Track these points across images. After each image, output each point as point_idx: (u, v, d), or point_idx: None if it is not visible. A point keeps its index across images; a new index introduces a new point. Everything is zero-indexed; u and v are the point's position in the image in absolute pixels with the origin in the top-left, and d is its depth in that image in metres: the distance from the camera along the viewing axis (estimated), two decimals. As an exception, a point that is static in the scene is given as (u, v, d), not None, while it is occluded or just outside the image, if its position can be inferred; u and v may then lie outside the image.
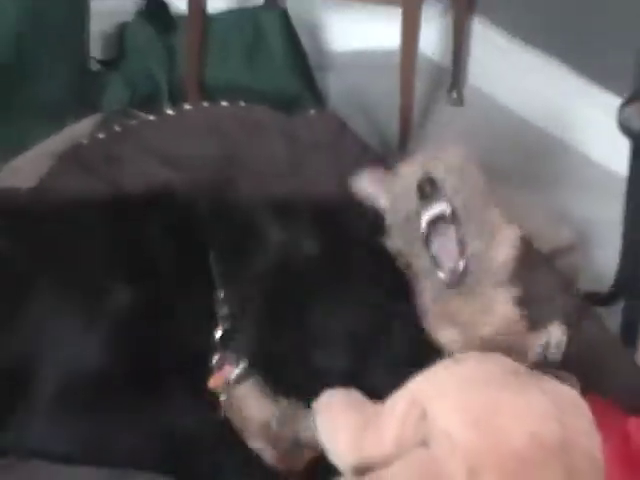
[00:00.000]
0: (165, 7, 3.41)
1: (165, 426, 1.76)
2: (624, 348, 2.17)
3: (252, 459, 1.78)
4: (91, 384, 1.76)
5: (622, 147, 2.44)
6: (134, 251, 1.82)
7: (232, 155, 2.23)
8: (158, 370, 1.74)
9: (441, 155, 1.75)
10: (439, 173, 1.68)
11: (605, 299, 2.42)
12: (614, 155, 2.76)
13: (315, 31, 3.66)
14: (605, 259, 2.55)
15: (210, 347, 1.76)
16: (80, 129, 2.44)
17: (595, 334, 2.00)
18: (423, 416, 1.41)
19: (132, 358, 1.74)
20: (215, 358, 1.73)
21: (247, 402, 1.78)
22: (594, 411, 1.50)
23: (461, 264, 1.65)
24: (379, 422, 1.48)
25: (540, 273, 2.08)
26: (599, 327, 2.06)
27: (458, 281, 1.67)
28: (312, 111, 2.62)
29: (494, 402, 1.46)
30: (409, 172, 1.69)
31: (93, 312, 1.76)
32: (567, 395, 1.51)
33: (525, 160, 3.10)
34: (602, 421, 1.53)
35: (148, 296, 1.75)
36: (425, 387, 1.48)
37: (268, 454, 1.73)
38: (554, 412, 1.47)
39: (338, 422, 1.54)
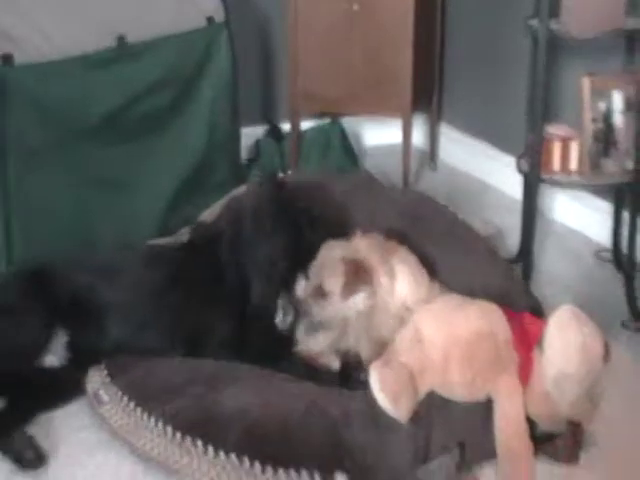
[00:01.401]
0: (279, 129, 4.39)
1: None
2: (527, 289, 2.92)
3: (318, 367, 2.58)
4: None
5: (518, 182, 3.38)
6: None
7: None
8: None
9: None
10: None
11: (513, 260, 3.24)
12: (514, 187, 3.55)
13: (357, 135, 4.62)
14: (511, 245, 3.39)
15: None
16: (237, 192, 3.21)
17: (507, 278, 2.82)
18: (419, 332, 2.30)
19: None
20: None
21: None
22: (506, 314, 2.33)
23: None
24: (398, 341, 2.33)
25: (481, 247, 2.94)
26: (510, 274, 2.91)
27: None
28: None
29: (453, 315, 2.34)
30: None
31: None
32: (491, 307, 2.34)
33: (471, 195, 3.96)
34: (510, 319, 2.33)
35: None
36: (419, 316, 2.38)
37: (332, 360, 2.59)
38: (484, 315, 2.33)
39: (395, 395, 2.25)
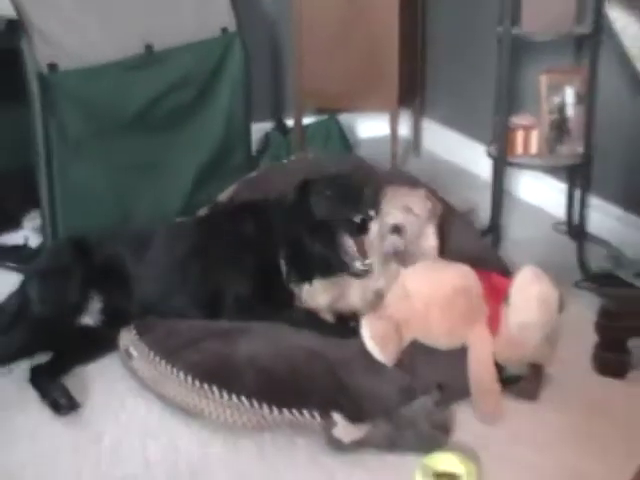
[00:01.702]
0: (285, 124, 4.40)
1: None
2: (497, 254, 3.00)
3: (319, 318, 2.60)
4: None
5: (488, 166, 3.34)
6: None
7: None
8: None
9: (407, 200, 2.60)
10: (400, 219, 2.55)
11: (485, 231, 3.24)
12: (485, 170, 3.48)
13: (352, 128, 4.62)
14: (484, 218, 3.34)
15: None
16: (248, 176, 3.31)
17: (479, 244, 2.93)
18: (404, 287, 2.37)
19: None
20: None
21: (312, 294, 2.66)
22: (478, 274, 2.40)
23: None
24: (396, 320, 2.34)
25: (458, 220, 2.93)
26: (482, 241, 3.04)
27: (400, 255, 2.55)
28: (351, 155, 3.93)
29: (434, 274, 2.41)
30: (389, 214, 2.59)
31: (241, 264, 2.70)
32: (466, 268, 2.41)
33: (450, 177, 3.90)
34: (481, 278, 2.40)
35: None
36: (406, 274, 2.43)
37: (328, 316, 2.61)
38: (460, 274, 2.39)
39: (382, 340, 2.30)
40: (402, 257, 2.55)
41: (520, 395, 2.36)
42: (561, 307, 2.39)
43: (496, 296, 2.39)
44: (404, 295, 2.39)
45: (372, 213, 2.62)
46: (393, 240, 2.56)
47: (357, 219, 2.62)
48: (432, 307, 2.34)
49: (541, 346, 2.35)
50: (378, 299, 2.56)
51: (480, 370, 2.30)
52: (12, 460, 2.23)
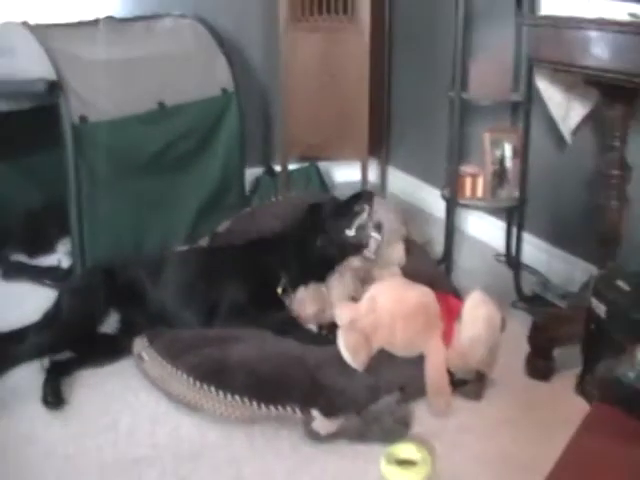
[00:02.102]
0: (273, 169, 4.38)
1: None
2: (449, 279, 3.03)
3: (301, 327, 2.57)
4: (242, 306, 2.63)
5: (442, 207, 3.31)
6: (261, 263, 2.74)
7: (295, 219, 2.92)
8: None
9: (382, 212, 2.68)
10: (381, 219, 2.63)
11: (439, 261, 3.24)
12: (441, 210, 3.37)
13: (328, 173, 4.59)
14: (438, 250, 3.36)
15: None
16: (242, 212, 3.33)
17: (435, 270, 2.97)
18: (374, 300, 2.36)
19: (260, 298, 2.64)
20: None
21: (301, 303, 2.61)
22: (437, 296, 2.41)
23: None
24: (359, 306, 2.37)
25: (417, 249, 2.97)
26: (437, 268, 3.08)
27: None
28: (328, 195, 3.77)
29: (401, 292, 2.39)
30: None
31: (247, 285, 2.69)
32: (427, 289, 2.42)
33: (411, 216, 3.45)
34: (439, 299, 2.41)
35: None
36: (376, 289, 2.41)
37: (312, 325, 2.58)
38: (422, 294, 2.39)
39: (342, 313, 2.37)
40: (374, 262, 2.62)
41: (467, 396, 2.38)
42: (503, 326, 2.40)
43: (450, 315, 2.41)
44: (372, 308, 2.38)
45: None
46: (375, 236, 2.63)
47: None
48: (397, 320, 2.33)
49: (486, 357, 2.35)
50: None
51: (435, 375, 2.31)
52: (49, 434, 2.27)
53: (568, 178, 3.10)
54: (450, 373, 2.35)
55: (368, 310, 2.40)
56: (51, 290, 3.05)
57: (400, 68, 4.44)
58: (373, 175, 4.58)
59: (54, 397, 2.38)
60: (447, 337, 2.36)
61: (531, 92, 2.98)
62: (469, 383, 2.39)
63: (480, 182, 3.17)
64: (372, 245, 2.59)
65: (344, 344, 2.30)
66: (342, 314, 2.39)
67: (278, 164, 4.36)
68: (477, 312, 2.36)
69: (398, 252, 2.73)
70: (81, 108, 3.00)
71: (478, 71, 3.13)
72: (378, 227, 2.62)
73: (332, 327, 2.50)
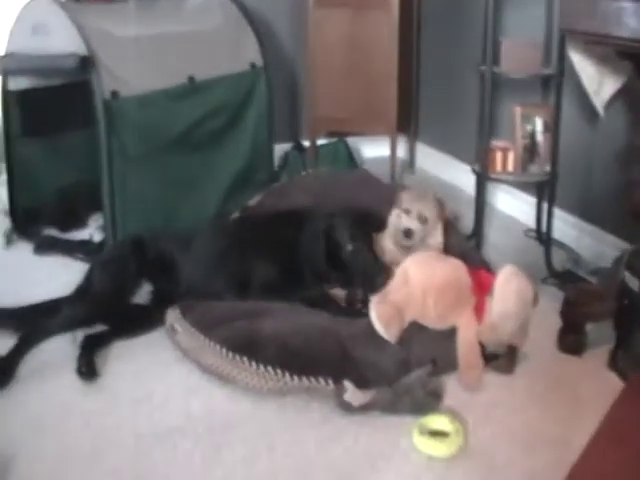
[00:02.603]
0: (301, 145, 4.36)
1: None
2: (480, 254, 2.99)
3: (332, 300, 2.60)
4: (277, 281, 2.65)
5: (471, 183, 3.35)
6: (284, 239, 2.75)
7: (324, 193, 3.02)
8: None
9: (421, 207, 2.59)
10: (414, 225, 2.57)
11: (469, 237, 3.20)
12: (471, 186, 3.38)
13: (357, 150, 4.56)
14: (466, 226, 3.29)
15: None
16: (272, 187, 3.37)
17: (465, 245, 2.87)
18: (406, 274, 2.36)
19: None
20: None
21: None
22: (468, 269, 2.42)
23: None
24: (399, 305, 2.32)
25: (448, 225, 2.79)
26: (467, 242, 2.99)
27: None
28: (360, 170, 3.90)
29: (432, 265, 2.39)
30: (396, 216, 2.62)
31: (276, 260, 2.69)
32: (458, 262, 2.43)
33: (439, 192, 3.15)
34: (471, 273, 2.42)
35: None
36: (408, 262, 2.40)
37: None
38: (453, 268, 2.41)
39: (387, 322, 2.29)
40: (408, 251, 2.58)
41: (498, 370, 2.37)
42: (535, 301, 2.41)
43: (482, 289, 2.40)
44: (405, 281, 2.38)
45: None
46: (404, 241, 2.61)
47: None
48: (428, 294, 2.34)
49: (517, 331, 2.35)
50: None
51: (466, 348, 2.31)
52: (85, 405, 2.29)
53: (599, 153, 3.07)
54: (482, 347, 2.35)
55: (400, 283, 2.40)
56: (83, 264, 3.10)
57: (428, 43, 4.42)
58: (402, 151, 4.54)
59: (88, 369, 2.41)
60: (479, 311, 2.36)
61: (563, 66, 2.96)
62: (500, 357, 2.39)
63: (511, 156, 3.15)
64: (416, 237, 2.62)
65: (376, 316, 2.30)
66: None
67: (306, 140, 4.35)
68: (509, 286, 2.35)
69: (436, 238, 2.70)
70: (112, 83, 3.01)
71: (510, 45, 3.12)
72: (423, 220, 2.64)
73: (364, 301, 2.51)
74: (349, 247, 2.62)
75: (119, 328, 2.62)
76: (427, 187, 3.38)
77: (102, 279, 2.66)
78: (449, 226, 2.82)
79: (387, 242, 2.67)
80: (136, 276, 2.68)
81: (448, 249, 2.65)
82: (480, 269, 2.54)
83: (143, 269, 2.70)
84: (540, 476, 1.92)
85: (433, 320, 2.36)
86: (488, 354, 2.36)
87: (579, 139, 3.17)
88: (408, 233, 2.58)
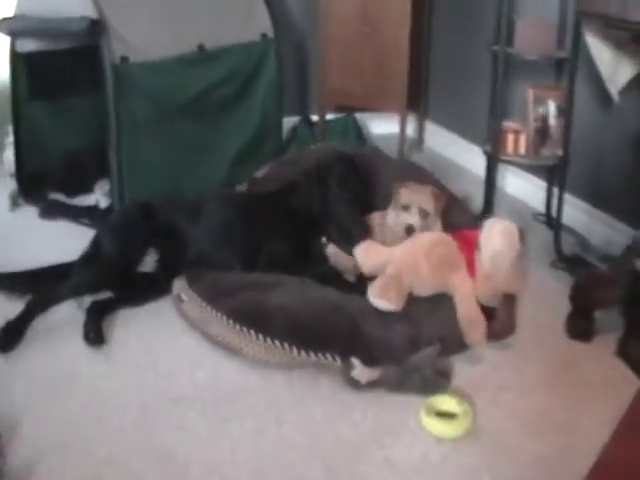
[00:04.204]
0: (310, 119, 4.37)
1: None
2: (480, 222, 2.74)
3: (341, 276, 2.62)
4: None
5: (479, 163, 3.43)
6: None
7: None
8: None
9: (421, 200, 2.59)
10: (415, 221, 2.57)
11: (480, 216, 3.17)
12: (480, 167, 3.43)
13: (365, 126, 4.54)
14: (476, 206, 3.33)
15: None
16: (281, 159, 3.34)
17: (470, 220, 2.83)
18: (392, 251, 2.44)
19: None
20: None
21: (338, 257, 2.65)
22: (450, 233, 2.52)
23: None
24: (383, 251, 2.44)
25: (459, 204, 2.92)
26: (474, 220, 2.85)
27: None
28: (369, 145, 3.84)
29: (414, 237, 2.51)
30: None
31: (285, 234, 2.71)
32: (438, 232, 2.56)
33: (447, 171, 3.68)
34: (453, 234, 2.51)
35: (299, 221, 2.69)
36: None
37: (351, 277, 2.62)
38: (436, 234, 2.52)
39: (367, 254, 2.44)
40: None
41: (500, 332, 2.37)
42: (522, 237, 2.43)
43: (469, 246, 2.44)
44: (392, 254, 2.47)
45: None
46: (405, 238, 2.59)
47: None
48: (418, 253, 2.39)
49: (510, 274, 2.36)
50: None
51: (466, 306, 2.32)
52: (92, 371, 2.30)
53: (612, 139, 3.05)
54: (481, 307, 2.35)
55: (388, 256, 2.46)
56: (88, 229, 3.09)
57: (441, 20, 4.39)
58: (410, 129, 4.52)
59: (96, 335, 2.42)
60: (470, 267, 2.38)
61: (578, 49, 2.91)
62: (499, 311, 2.38)
63: (522, 139, 3.14)
64: (417, 231, 2.60)
65: (371, 292, 2.33)
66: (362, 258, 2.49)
67: (315, 114, 4.34)
68: (493, 230, 2.39)
69: (437, 229, 2.69)
70: (122, 48, 2.99)
71: (525, 25, 3.10)
72: (424, 214, 2.62)
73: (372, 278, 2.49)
74: (335, 189, 2.65)
75: (126, 295, 2.61)
76: (434, 167, 3.38)
77: (111, 245, 2.64)
78: (458, 205, 2.83)
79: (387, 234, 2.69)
80: (145, 243, 2.66)
81: (458, 228, 2.66)
82: (462, 229, 2.59)
83: (151, 236, 2.68)
84: (549, 460, 1.93)
85: (429, 279, 2.37)
86: (489, 314, 2.35)
87: (592, 123, 3.14)
88: (410, 230, 2.56)
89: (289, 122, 4.18)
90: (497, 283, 2.33)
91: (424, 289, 2.39)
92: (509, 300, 2.39)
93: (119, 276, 2.61)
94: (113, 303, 2.57)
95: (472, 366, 2.30)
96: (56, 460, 1.91)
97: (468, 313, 2.29)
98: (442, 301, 2.40)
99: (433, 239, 2.43)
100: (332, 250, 2.65)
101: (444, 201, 2.67)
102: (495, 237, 2.36)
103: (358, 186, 2.74)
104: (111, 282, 2.59)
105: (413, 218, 2.59)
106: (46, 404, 2.13)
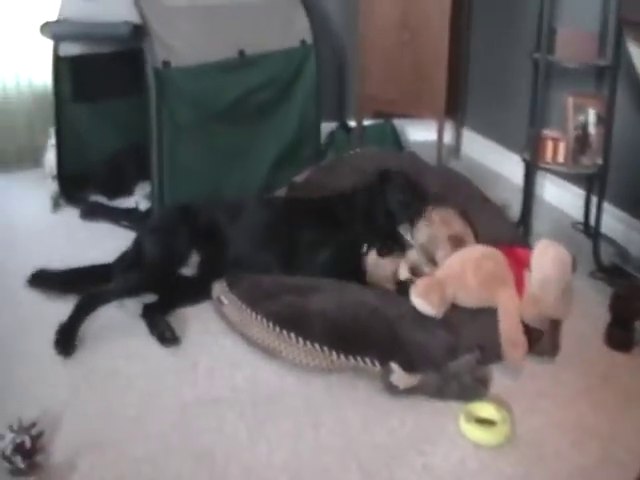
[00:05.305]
0: (348, 125, 4.37)
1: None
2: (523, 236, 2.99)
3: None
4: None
5: (517, 171, 3.40)
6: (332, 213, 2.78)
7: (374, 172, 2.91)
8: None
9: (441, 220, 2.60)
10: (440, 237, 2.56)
11: (517, 224, 3.21)
12: (518, 175, 3.42)
13: (403, 132, 4.50)
14: (512, 215, 3.29)
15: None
16: (321, 164, 3.42)
17: (510, 231, 2.86)
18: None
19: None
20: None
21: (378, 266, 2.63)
22: (502, 249, 2.48)
23: None
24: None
25: (495, 213, 2.92)
26: (513, 226, 3.02)
27: None
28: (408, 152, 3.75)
29: (467, 248, 2.51)
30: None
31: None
32: (491, 247, 2.50)
33: (484, 179, 3.54)
34: (505, 251, 2.49)
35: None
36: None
37: (389, 285, 2.57)
38: (488, 248, 2.50)
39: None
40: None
41: (543, 352, 2.35)
42: (574, 266, 2.41)
43: (519, 265, 2.42)
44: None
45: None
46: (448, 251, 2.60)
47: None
48: (466, 264, 2.39)
49: (559, 301, 2.33)
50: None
51: (509, 324, 2.29)
52: (129, 373, 2.31)
53: (653, 148, 3.02)
54: (525, 327, 2.32)
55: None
56: (127, 231, 3.13)
57: (480, 27, 4.38)
58: (448, 136, 4.49)
59: (172, 333, 2.44)
60: (519, 286, 2.36)
61: (619, 57, 2.91)
62: (544, 336, 2.36)
63: (562, 147, 3.11)
64: (442, 257, 2.58)
65: (414, 291, 2.33)
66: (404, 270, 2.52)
67: (352, 120, 4.34)
68: (546, 255, 2.36)
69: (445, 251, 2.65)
70: (164, 53, 3.02)
71: (566, 33, 3.07)
72: (458, 241, 2.59)
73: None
74: (400, 197, 2.69)
75: (170, 298, 2.62)
76: (471, 174, 3.31)
77: (155, 249, 2.65)
78: (496, 212, 2.84)
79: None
80: (188, 245, 2.67)
81: (496, 236, 2.65)
82: (514, 246, 2.56)
83: (192, 239, 2.69)
84: (588, 471, 1.91)
85: (475, 291, 2.36)
86: (532, 335, 2.32)
87: (632, 132, 3.11)
88: (456, 240, 2.59)
89: (327, 128, 4.18)
90: (544, 308, 2.31)
91: (468, 300, 2.39)
92: (554, 325, 2.37)
93: (165, 279, 2.62)
94: (166, 305, 2.60)
95: (510, 375, 2.28)
96: (96, 457, 1.92)
97: (509, 331, 2.26)
98: (483, 310, 2.39)
99: (484, 252, 2.44)
100: (372, 259, 2.64)
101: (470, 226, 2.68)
102: (548, 262, 2.34)
103: (416, 195, 2.77)
104: (156, 286, 2.61)
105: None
106: (87, 402, 2.15)
